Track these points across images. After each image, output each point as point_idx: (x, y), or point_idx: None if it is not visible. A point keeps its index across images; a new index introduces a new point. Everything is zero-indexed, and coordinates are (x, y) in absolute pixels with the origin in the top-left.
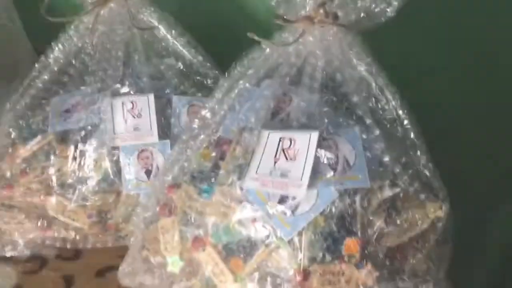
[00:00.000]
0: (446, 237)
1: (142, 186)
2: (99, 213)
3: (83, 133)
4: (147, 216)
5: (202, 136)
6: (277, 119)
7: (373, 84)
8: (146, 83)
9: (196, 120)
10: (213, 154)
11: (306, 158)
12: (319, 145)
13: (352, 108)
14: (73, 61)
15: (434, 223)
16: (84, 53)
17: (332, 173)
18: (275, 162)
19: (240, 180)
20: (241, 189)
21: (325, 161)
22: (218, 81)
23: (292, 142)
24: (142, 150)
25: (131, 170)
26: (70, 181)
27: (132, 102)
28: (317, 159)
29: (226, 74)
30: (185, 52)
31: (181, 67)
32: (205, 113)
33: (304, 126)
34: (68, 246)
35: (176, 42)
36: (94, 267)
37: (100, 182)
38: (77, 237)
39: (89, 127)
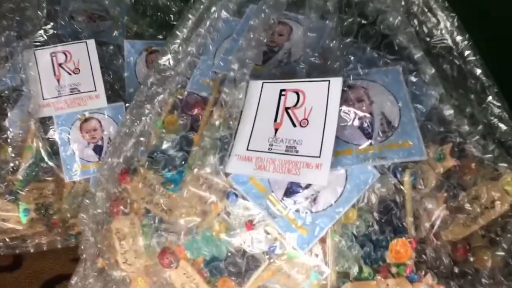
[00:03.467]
0: None
1: (90, 169)
2: (38, 208)
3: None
4: (98, 213)
5: (162, 96)
6: (273, 61)
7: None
8: (83, 25)
9: (153, 72)
10: (180, 121)
11: (324, 121)
12: (344, 99)
13: (389, 35)
14: None
15: None
16: None
17: (367, 141)
18: (276, 130)
19: (223, 162)
20: (225, 174)
21: (355, 123)
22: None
23: (301, 96)
24: (86, 119)
25: (72, 148)
26: None
27: (65, 53)
28: (342, 120)
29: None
30: None
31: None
32: (166, 60)
33: (316, 70)
34: (2, 252)
35: None
36: (39, 277)
37: (31, 167)
38: (13, 241)
39: (6, 93)
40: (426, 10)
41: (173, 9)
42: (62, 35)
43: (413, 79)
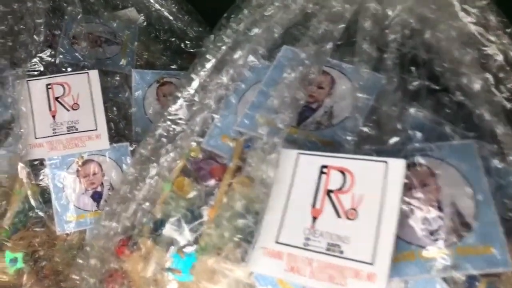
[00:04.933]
0: None
1: (87, 219)
2: (27, 258)
3: None
4: (92, 282)
5: (171, 155)
6: (310, 122)
7: (499, 55)
8: (85, 51)
9: (162, 122)
10: (193, 192)
11: (379, 215)
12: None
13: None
14: None
15: None
16: None
17: (434, 243)
18: (314, 219)
19: (245, 253)
20: (250, 273)
21: (418, 216)
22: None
23: (348, 178)
24: (84, 162)
25: (66, 195)
26: None
27: (63, 85)
28: (402, 215)
29: (213, 36)
30: None
31: (144, 22)
32: (177, 109)
33: (368, 142)
34: None
35: None
36: None
37: (18, 216)
38: None
39: None
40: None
41: (190, 35)
42: (61, 64)
43: (498, 164)
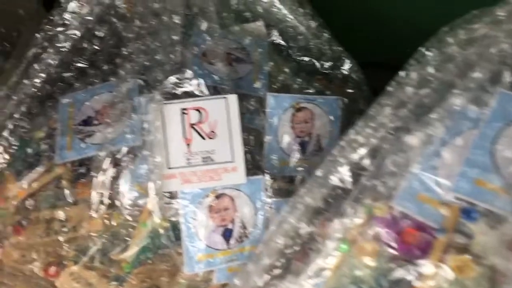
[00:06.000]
0: None
1: (216, 259)
2: None
3: (113, 164)
4: None
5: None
6: None
7: None
8: (221, 73)
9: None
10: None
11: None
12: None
13: None
14: (97, 32)
15: None
16: (116, 17)
17: None
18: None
19: None
20: None
21: None
22: (345, 64)
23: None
24: (218, 196)
25: (197, 232)
26: (93, 246)
27: (199, 110)
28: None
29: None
30: (285, 11)
31: (278, 39)
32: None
33: None
34: None
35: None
36: None
37: (144, 251)
38: None
39: (125, 154)
40: None
41: (328, 53)
42: (196, 86)
43: None
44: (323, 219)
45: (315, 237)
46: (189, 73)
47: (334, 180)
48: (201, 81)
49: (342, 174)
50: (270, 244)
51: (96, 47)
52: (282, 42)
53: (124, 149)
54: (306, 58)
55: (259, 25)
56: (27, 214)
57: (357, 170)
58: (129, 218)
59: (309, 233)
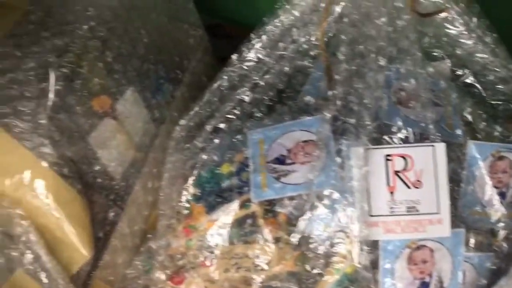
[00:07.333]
0: None
1: None
2: None
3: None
4: None
5: None
6: None
7: None
8: (426, 119)
9: None
10: None
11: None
12: None
13: None
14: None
15: None
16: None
17: None
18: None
19: None
20: None
21: None
22: None
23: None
24: (418, 247)
25: (395, 284)
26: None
27: (404, 157)
28: None
29: None
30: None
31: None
32: None
33: None
34: None
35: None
36: None
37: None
38: None
39: (326, 197)
40: None
41: None
42: (401, 132)
43: None
44: None
45: None
46: (396, 118)
47: None
48: (409, 128)
49: None
50: None
51: (281, 84)
52: (476, 84)
53: (326, 192)
54: (500, 102)
55: (445, 63)
56: (212, 249)
57: None
58: (322, 261)
59: None
